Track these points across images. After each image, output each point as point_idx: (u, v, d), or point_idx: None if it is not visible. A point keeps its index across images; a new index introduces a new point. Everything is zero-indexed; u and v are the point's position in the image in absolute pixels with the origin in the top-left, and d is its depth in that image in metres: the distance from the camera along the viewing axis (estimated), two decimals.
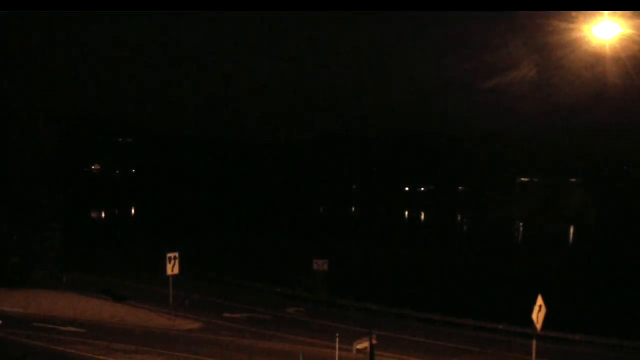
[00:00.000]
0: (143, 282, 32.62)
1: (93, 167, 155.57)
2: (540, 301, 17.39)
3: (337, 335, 17.30)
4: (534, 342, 17.59)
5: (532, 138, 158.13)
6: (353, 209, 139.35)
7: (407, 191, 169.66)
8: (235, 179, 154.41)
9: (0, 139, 31.94)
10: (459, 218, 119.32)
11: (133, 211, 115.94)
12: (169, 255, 25.08)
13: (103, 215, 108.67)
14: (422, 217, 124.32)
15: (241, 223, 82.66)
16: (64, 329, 22.26)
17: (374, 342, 16.53)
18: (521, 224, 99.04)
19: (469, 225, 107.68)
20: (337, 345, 17.12)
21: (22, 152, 31.69)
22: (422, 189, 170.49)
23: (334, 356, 17.20)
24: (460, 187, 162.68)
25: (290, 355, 19.15)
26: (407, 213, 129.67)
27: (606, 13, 9.79)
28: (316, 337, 22.27)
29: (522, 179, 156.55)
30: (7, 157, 31.81)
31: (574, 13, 10.55)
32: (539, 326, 17.34)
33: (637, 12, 9.76)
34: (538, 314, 17.30)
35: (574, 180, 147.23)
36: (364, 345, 17.66)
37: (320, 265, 30.48)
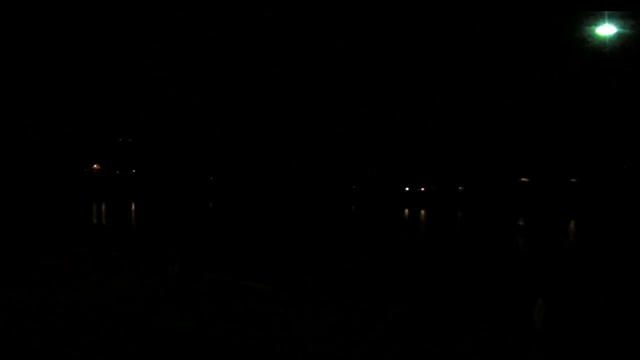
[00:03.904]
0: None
1: (93, 167, 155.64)
2: (540, 301, 17.41)
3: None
4: (534, 342, 17.61)
5: (532, 138, 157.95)
6: (353, 208, 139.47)
7: (407, 191, 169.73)
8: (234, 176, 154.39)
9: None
10: (459, 217, 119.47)
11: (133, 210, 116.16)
12: (169, 254, 25.17)
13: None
14: (422, 216, 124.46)
15: (240, 222, 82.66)
16: None
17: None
18: (521, 224, 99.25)
19: (468, 224, 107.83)
20: None
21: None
22: (422, 189, 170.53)
23: None
24: (460, 187, 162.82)
25: None
26: (406, 212, 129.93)
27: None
28: None
29: (522, 179, 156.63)
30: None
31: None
32: (539, 326, 17.38)
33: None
34: (538, 314, 17.33)
35: (574, 180, 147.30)
36: None
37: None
